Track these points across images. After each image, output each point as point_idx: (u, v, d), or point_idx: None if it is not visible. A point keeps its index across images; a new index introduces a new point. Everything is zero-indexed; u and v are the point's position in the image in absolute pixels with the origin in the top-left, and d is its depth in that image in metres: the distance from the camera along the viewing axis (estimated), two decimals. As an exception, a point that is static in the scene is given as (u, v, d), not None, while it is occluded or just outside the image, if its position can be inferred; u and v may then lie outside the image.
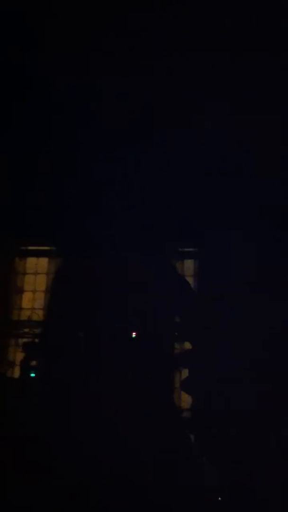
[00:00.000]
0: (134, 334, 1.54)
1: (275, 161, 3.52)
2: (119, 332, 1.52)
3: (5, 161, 3.64)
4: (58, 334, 1.56)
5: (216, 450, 3.10)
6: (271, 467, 2.65)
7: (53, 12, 3.13)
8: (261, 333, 2.77)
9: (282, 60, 3.31)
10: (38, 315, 4.20)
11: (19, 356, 3.80)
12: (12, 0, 3.09)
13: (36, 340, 3.75)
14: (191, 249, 4.50)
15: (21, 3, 3.10)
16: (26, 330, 4.26)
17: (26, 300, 4.64)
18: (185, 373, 2.44)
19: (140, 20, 3.10)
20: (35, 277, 4.73)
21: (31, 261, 4.77)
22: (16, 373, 4.21)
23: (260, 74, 3.40)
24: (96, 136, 3.04)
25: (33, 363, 3.47)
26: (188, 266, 4.61)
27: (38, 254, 4.72)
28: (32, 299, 4.61)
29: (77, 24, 3.16)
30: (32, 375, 3.30)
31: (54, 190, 3.78)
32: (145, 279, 1.57)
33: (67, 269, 1.66)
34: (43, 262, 4.69)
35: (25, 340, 4.06)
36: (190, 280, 4.47)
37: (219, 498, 2.70)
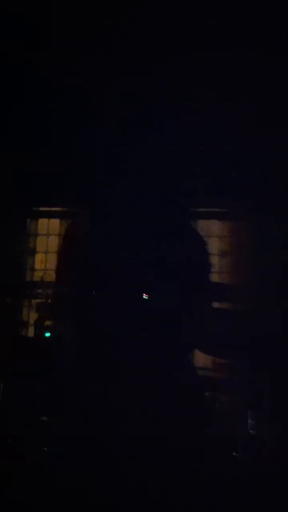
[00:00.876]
0: (145, 296, 1.54)
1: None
2: (131, 292, 1.52)
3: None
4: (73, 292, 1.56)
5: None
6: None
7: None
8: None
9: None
10: (51, 276, 4.23)
11: (33, 316, 3.84)
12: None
13: (49, 300, 3.79)
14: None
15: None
16: (39, 291, 4.29)
17: (39, 261, 4.66)
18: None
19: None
20: (47, 238, 4.74)
21: (42, 222, 4.77)
22: (31, 333, 4.27)
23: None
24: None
25: (47, 323, 3.51)
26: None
27: (49, 215, 4.71)
28: (44, 260, 4.62)
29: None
30: (47, 335, 3.34)
31: (64, 148, 3.81)
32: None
33: (79, 229, 1.65)
34: (55, 223, 4.69)
35: (38, 300, 4.09)
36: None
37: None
